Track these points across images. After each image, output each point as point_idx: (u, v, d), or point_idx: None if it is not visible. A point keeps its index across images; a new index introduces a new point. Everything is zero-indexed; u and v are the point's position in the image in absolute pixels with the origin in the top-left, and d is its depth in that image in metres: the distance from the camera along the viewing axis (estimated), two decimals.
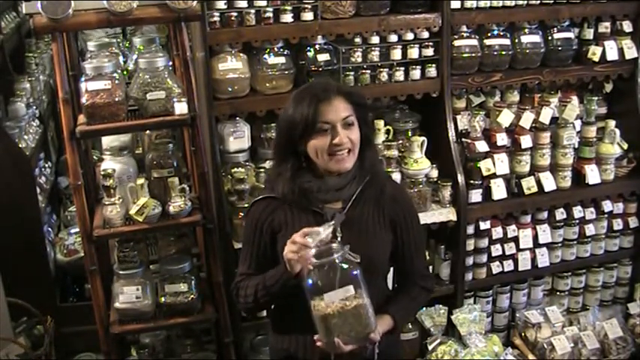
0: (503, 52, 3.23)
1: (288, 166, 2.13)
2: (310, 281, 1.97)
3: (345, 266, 1.98)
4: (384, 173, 2.36)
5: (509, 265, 3.42)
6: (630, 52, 3.42)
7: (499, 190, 3.27)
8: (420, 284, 2.30)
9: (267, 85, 2.94)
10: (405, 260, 2.26)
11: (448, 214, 3.18)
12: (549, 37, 3.32)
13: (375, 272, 2.18)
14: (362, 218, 2.16)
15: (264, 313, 3.05)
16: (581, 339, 3.33)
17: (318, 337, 2.02)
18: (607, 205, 3.54)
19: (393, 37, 3.06)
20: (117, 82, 2.52)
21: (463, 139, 3.27)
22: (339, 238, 2.09)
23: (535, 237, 3.44)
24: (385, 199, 2.18)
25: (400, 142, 3.20)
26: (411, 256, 2.26)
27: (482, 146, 3.22)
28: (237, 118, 3.01)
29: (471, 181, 3.21)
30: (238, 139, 3.00)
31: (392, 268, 2.41)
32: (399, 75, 3.08)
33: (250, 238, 2.21)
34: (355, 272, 1.98)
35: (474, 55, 3.17)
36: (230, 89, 2.89)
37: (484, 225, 3.30)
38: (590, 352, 3.29)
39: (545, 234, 3.46)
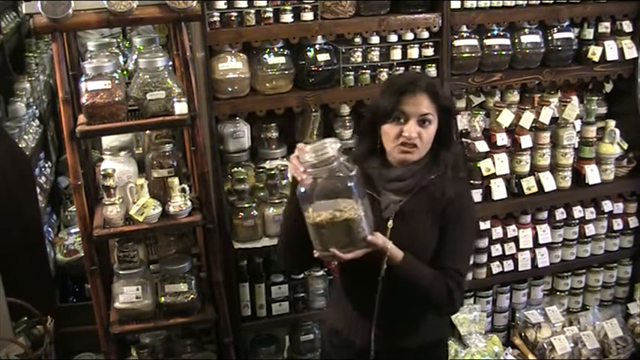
0: (503, 52, 3.23)
1: (363, 145, 2.23)
2: (302, 189, 1.94)
3: (339, 175, 1.92)
4: (457, 177, 2.23)
5: (509, 265, 3.42)
6: (630, 52, 3.42)
7: (499, 190, 3.26)
8: (445, 278, 2.12)
9: (267, 85, 2.94)
10: (439, 257, 2.15)
11: None
12: (549, 37, 3.31)
13: None
14: (416, 213, 2.15)
15: (264, 313, 3.07)
16: (581, 339, 3.34)
17: (314, 249, 2.00)
18: (607, 205, 3.54)
19: (393, 37, 3.05)
20: (117, 82, 2.52)
21: (463, 139, 3.27)
22: (389, 229, 2.13)
23: (535, 237, 3.44)
24: (444, 199, 2.15)
25: None
26: (445, 254, 2.14)
27: (482, 146, 3.21)
28: (237, 118, 3.01)
29: (471, 181, 3.21)
30: (238, 139, 3.01)
31: None
32: None
33: None
34: (350, 184, 1.92)
35: (474, 55, 3.17)
36: (230, 89, 2.89)
37: (484, 225, 3.29)
38: (590, 352, 3.30)
39: (545, 234, 3.46)
